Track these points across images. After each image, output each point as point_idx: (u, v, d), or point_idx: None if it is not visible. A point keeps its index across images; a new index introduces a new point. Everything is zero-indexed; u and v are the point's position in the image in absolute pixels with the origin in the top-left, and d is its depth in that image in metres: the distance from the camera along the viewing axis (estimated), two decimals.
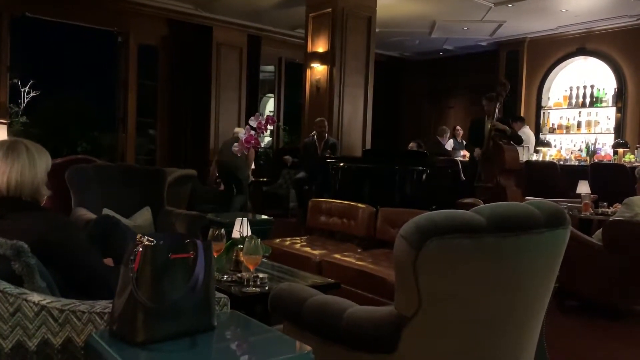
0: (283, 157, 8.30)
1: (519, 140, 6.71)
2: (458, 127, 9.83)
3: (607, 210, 5.11)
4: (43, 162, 1.89)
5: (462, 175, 7.25)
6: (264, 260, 2.88)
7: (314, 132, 7.41)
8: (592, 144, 8.67)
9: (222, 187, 7.76)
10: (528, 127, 9.06)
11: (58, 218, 1.87)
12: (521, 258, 1.65)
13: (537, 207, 1.70)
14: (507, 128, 6.37)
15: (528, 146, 8.60)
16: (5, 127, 4.94)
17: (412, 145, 8.86)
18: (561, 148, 9.28)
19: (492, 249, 1.58)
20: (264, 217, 5.36)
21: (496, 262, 1.61)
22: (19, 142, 1.86)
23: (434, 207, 5.19)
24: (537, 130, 9.72)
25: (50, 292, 1.61)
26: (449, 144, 9.37)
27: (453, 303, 1.60)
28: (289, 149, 10.43)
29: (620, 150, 7.96)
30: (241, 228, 2.98)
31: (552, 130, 9.77)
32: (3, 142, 1.88)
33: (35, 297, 1.48)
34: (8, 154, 1.81)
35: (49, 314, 1.47)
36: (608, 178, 6.61)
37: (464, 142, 8.88)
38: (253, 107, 9.85)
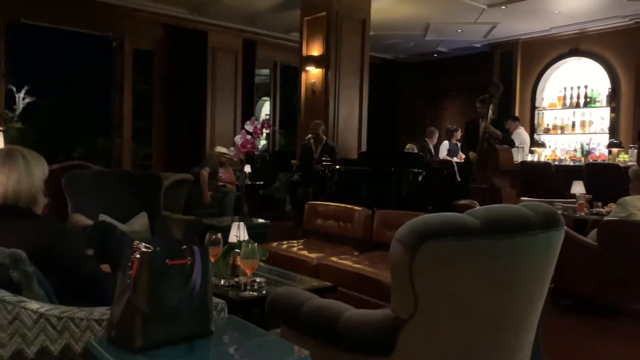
0: (291, 161, 8.24)
1: (512, 144, 6.75)
2: (459, 132, 9.28)
3: (601, 210, 5.13)
4: (40, 170, 1.89)
5: (458, 177, 7.28)
6: (261, 264, 2.88)
7: (310, 135, 7.42)
8: (586, 144, 8.70)
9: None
10: (522, 127, 9.09)
11: (55, 225, 1.87)
12: (516, 259, 1.67)
13: (530, 209, 1.72)
14: (499, 132, 6.40)
15: (523, 147, 8.63)
16: (1, 134, 4.93)
17: (409, 146, 8.86)
18: (556, 148, 9.31)
19: (486, 251, 1.60)
20: (260, 220, 5.37)
21: (491, 264, 1.62)
22: (15, 151, 1.87)
23: (430, 208, 5.21)
24: (532, 131, 9.76)
25: (48, 300, 1.62)
26: (444, 146, 9.37)
27: (449, 305, 1.61)
28: (285, 152, 10.45)
29: (615, 150, 7.99)
30: (238, 232, 2.98)
31: (546, 131, 9.81)
32: None
33: (34, 305, 1.49)
34: (5, 162, 1.81)
35: (47, 322, 1.47)
36: (603, 178, 6.64)
37: (458, 145, 8.86)
38: (249, 111, 9.86)
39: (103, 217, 4.04)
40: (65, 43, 11.60)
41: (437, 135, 9.23)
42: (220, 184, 7.50)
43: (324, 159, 6.97)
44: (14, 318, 1.46)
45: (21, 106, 10.51)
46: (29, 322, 1.46)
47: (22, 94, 10.40)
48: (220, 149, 7.74)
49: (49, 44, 11.59)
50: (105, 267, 2.10)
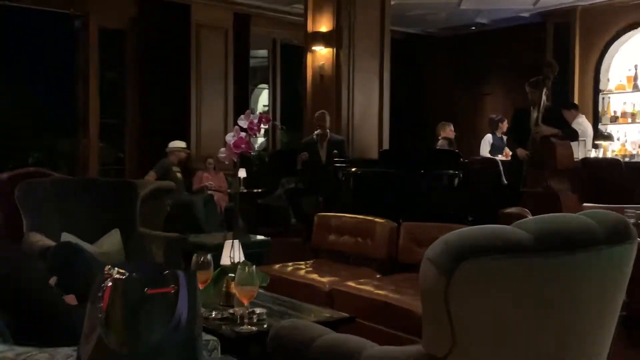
0: (299, 154, 8.02)
1: (575, 137, 6.71)
2: (505, 123, 9.22)
3: None
4: None
5: (504, 179, 7.27)
6: (261, 291, 2.90)
7: (318, 130, 7.38)
8: None
9: None
10: (584, 116, 9.03)
11: (7, 249, 1.89)
12: (576, 281, 1.66)
13: (593, 219, 1.72)
14: (556, 130, 6.39)
15: (585, 140, 8.58)
16: None
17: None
18: (626, 141, 9.27)
19: (540, 271, 1.59)
20: (259, 237, 5.39)
21: (546, 287, 1.62)
22: None
23: (470, 219, 5.20)
24: (595, 120, 9.71)
25: (1, 340, 1.64)
26: (487, 140, 9.34)
27: (495, 338, 1.61)
28: (288, 152, 10.45)
29: None
30: (232, 252, 3.00)
31: (614, 120, 9.76)
32: None
33: None
34: None
35: None
36: None
37: (504, 138, 8.83)
38: (243, 101, 9.91)
39: (67, 236, 4.07)
40: (16, 23, 11.71)
41: (447, 130, 9.12)
42: (209, 191, 7.52)
43: (335, 159, 6.96)
44: None
45: None
46: None
47: None
48: (175, 143, 7.73)
49: None
50: (71, 299, 2.12)
